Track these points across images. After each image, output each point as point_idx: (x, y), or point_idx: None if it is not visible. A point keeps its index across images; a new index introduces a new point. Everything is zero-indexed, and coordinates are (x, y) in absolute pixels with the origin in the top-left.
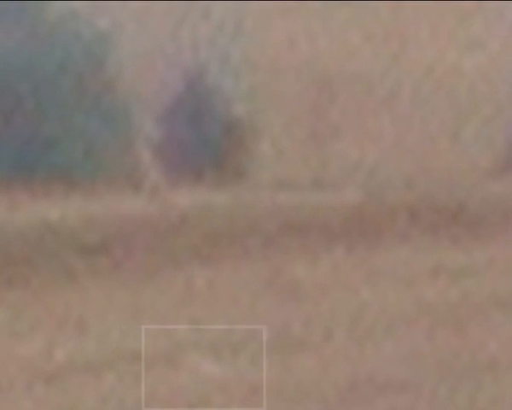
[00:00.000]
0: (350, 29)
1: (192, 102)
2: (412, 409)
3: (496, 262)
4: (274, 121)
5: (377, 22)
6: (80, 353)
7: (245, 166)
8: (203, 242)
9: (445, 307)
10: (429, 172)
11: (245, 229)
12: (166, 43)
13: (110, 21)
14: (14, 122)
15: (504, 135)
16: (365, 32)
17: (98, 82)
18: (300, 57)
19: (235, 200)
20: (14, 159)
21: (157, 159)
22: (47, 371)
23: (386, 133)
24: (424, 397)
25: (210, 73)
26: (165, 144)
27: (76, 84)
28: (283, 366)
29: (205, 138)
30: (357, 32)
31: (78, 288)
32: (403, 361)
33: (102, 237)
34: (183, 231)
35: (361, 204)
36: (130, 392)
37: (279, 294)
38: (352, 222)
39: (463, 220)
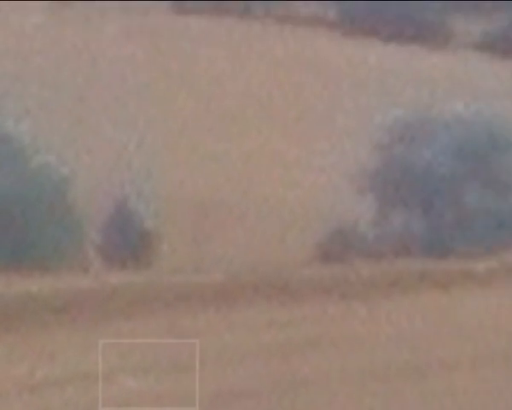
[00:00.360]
0: (215, 173)
1: (120, 219)
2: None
3: (308, 317)
4: (171, 231)
5: (233, 171)
6: (52, 373)
7: (153, 258)
8: (126, 304)
9: (276, 347)
10: (267, 262)
11: (152, 296)
12: (104, 183)
13: (69, 169)
14: (10, 231)
15: (313, 239)
16: (226, 175)
17: (63, 207)
18: (187, 191)
19: (147, 279)
20: (10, 253)
21: (99, 254)
22: (31, 384)
23: (240, 237)
24: (264, 401)
25: (131, 201)
26: (104, 245)
27: (49, 208)
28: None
29: (128, 241)
30: (220, 176)
31: (50, 333)
32: (251, 379)
33: (65, 302)
34: (114, 297)
35: (225, 281)
36: (84, 398)
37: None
38: (210, 290)
39: (288, 290)
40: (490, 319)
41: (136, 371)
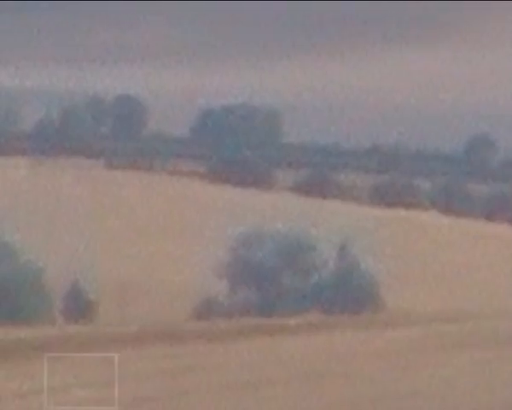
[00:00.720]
0: (132, 265)
1: (74, 294)
2: None
3: (188, 352)
4: (104, 300)
5: (142, 264)
6: (33, 386)
7: (93, 317)
8: (77, 344)
9: (168, 370)
10: (163, 319)
11: (93, 340)
12: (64, 271)
13: (43, 263)
14: (7, 301)
15: (191, 305)
16: (138, 266)
17: (39, 286)
18: (114, 276)
19: (90, 329)
20: (7, 314)
21: (61, 314)
22: (20, 393)
23: (147, 304)
24: (161, 404)
25: (80, 282)
26: (64, 309)
27: (31, 287)
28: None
29: (78, 307)
30: (135, 266)
31: (32, 362)
32: (153, 390)
33: (41, 343)
34: (70, 340)
35: (138, 331)
36: (53, 400)
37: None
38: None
39: (176, 336)
40: (298, 353)
41: (80, 383)
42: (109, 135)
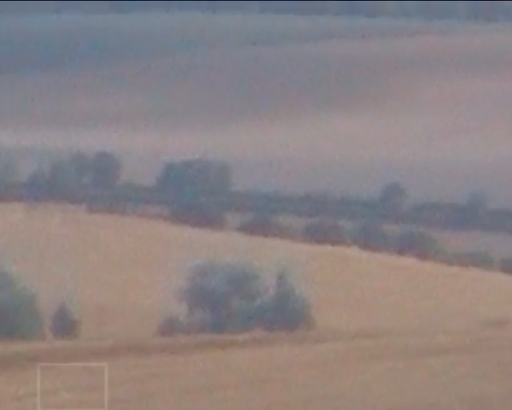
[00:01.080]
0: (108, 291)
1: (61, 314)
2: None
3: (153, 363)
4: (86, 319)
5: (116, 290)
6: (27, 390)
7: (77, 333)
8: (64, 356)
9: (138, 377)
10: (133, 335)
11: (77, 352)
12: (53, 296)
13: (36, 289)
14: (6, 321)
15: (156, 324)
16: (114, 291)
17: (33, 309)
18: (94, 300)
19: (75, 344)
20: (7, 333)
21: (50, 331)
22: (17, 396)
23: (120, 322)
24: (133, 405)
25: (66, 305)
26: (53, 327)
27: (26, 310)
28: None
29: (65, 325)
30: (111, 292)
31: (27, 371)
32: (125, 393)
33: (34, 355)
34: (58, 353)
35: (113, 345)
36: (44, 403)
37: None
38: None
39: (145, 349)
40: (244, 363)
41: (67, 387)
42: (90, 185)
